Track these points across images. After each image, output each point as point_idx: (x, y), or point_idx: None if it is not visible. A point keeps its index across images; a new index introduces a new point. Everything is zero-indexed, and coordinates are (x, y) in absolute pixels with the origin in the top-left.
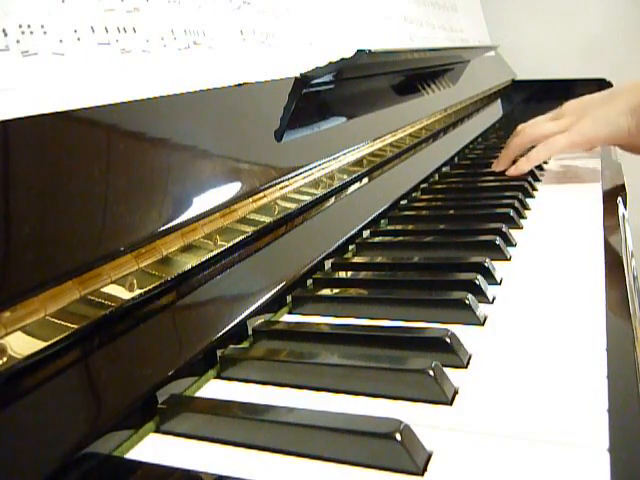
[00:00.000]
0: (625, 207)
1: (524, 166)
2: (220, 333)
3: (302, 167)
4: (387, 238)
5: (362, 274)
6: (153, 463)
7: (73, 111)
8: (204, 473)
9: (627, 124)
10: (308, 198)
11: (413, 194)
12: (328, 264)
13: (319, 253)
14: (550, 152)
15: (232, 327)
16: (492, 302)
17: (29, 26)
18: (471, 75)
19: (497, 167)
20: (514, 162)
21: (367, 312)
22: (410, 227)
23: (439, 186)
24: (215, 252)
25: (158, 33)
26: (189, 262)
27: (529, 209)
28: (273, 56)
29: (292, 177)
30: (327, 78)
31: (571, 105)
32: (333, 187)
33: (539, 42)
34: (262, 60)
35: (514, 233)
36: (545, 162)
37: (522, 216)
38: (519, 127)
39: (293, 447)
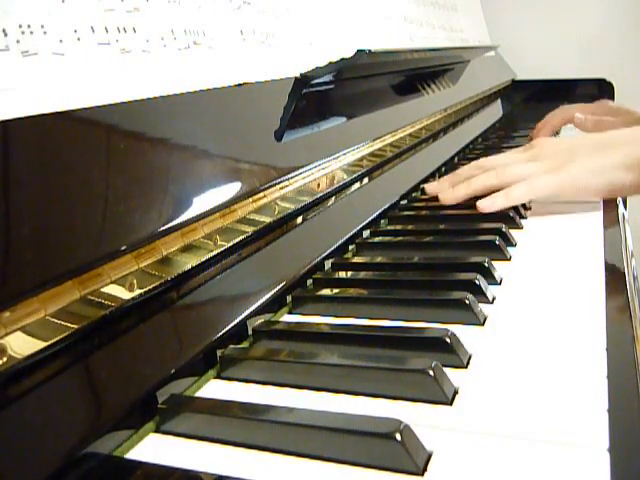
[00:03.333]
0: (625, 207)
1: (502, 202)
2: (220, 333)
3: (302, 167)
4: (387, 238)
5: (362, 274)
6: (153, 463)
7: (73, 111)
8: (204, 473)
9: (624, 179)
10: (308, 198)
11: (413, 194)
12: (328, 264)
13: (319, 253)
14: (534, 193)
15: (232, 327)
16: (492, 302)
17: (29, 26)
18: (471, 75)
19: (444, 197)
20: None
21: (367, 312)
22: (410, 227)
23: None
24: (215, 252)
25: (158, 33)
26: (189, 262)
27: (529, 209)
28: (273, 56)
29: (292, 177)
30: (327, 78)
31: (550, 147)
32: (333, 187)
33: (539, 42)
34: (262, 60)
35: (514, 233)
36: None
37: (522, 216)
38: (482, 161)
39: (293, 447)
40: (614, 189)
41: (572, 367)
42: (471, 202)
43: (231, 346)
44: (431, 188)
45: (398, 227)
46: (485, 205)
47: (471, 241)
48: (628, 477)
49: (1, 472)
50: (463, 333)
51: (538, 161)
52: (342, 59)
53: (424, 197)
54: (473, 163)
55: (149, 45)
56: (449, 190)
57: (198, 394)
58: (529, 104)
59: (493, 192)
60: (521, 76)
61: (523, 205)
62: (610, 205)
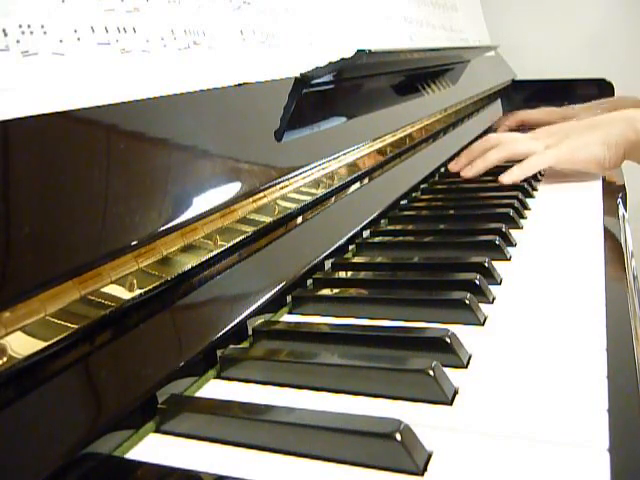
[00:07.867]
0: (625, 207)
1: (518, 173)
2: (220, 333)
3: (302, 167)
4: (387, 238)
5: (362, 274)
6: (153, 463)
7: (73, 111)
8: (204, 473)
9: (603, 155)
10: (308, 198)
11: (413, 194)
12: (328, 264)
13: (319, 253)
14: (542, 164)
15: (232, 327)
16: (492, 302)
17: (29, 26)
18: (471, 75)
19: (466, 173)
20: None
21: (367, 312)
22: (410, 227)
23: (439, 186)
24: (215, 252)
25: (158, 33)
26: (189, 262)
27: (529, 209)
28: (273, 56)
29: (292, 177)
30: (327, 78)
31: (547, 130)
32: (333, 187)
33: (539, 42)
34: (262, 60)
35: (514, 233)
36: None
37: (522, 216)
38: (492, 137)
39: (293, 447)
40: (598, 162)
41: (572, 367)
42: (471, 202)
43: (231, 346)
44: (453, 167)
45: (398, 227)
46: (505, 178)
47: (471, 241)
48: (628, 477)
49: (1, 472)
50: (463, 333)
51: (539, 140)
52: (342, 59)
53: (424, 197)
54: (483, 139)
55: (149, 45)
56: (468, 167)
57: (198, 394)
58: (529, 104)
59: (504, 165)
60: (521, 76)
61: (523, 204)
62: (610, 205)
